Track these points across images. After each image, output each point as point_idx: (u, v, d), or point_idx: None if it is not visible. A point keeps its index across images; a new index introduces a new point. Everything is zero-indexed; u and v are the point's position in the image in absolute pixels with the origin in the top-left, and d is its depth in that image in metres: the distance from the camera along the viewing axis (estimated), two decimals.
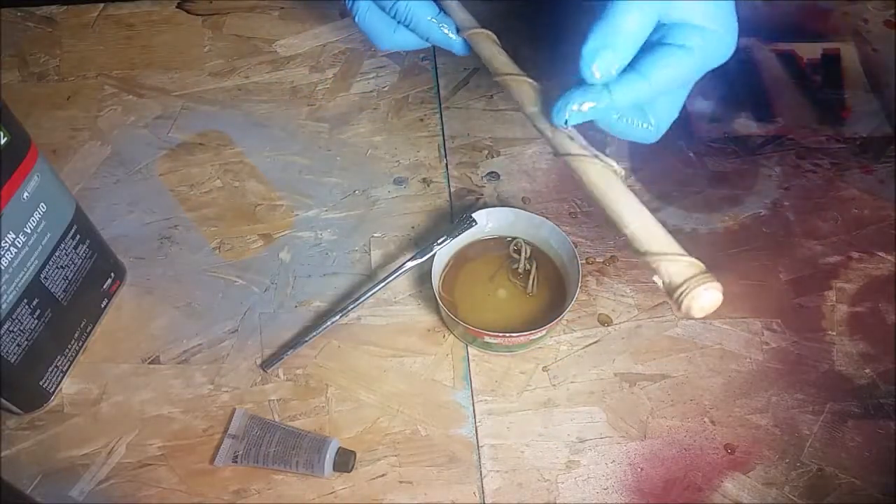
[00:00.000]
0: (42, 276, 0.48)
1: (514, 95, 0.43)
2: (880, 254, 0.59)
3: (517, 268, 0.55)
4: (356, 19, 0.47)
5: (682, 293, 0.33)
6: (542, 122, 0.41)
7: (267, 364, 0.53)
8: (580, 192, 0.62)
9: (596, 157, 0.38)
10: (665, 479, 0.49)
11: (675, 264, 0.34)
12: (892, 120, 0.66)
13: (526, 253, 0.56)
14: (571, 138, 0.39)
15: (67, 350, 0.52)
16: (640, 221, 0.36)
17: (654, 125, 0.41)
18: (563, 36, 0.57)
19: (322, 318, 0.54)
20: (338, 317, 0.53)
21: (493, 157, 0.64)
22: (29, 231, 0.46)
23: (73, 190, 0.60)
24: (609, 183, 0.37)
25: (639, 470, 0.49)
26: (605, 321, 0.55)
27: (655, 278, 0.35)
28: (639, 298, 0.56)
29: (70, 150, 0.64)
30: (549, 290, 0.55)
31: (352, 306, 0.53)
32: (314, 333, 0.53)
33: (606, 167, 0.38)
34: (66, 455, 0.50)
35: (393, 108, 0.67)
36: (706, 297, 0.33)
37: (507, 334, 0.50)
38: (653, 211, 0.62)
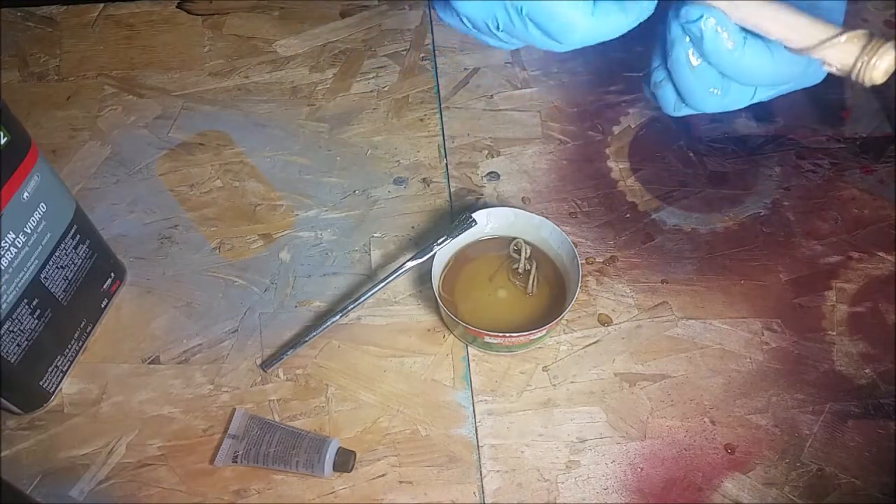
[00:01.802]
0: (42, 276, 0.48)
1: None
2: (880, 254, 0.59)
3: (517, 268, 0.55)
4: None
5: (858, 74, 0.32)
6: None
7: (267, 364, 0.53)
8: (580, 192, 0.62)
9: None
10: (665, 479, 0.49)
11: (833, 49, 0.32)
12: (892, 120, 0.66)
13: (526, 253, 0.56)
14: None
15: (67, 350, 0.52)
16: (780, 21, 0.33)
17: (720, 95, 0.37)
18: None
19: (322, 318, 0.54)
20: (338, 317, 0.53)
21: (493, 157, 0.64)
22: (29, 231, 0.46)
23: (73, 190, 0.60)
24: None
25: (639, 470, 0.49)
26: (605, 321, 0.55)
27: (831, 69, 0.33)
28: (639, 298, 0.56)
29: (70, 150, 0.64)
30: (549, 290, 0.55)
31: (352, 306, 0.53)
32: (314, 333, 0.53)
33: None
34: (66, 455, 0.50)
35: (393, 108, 0.67)
36: (882, 66, 0.31)
37: (507, 334, 0.50)
38: (653, 211, 0.63)
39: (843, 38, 0.32)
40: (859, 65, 0.32)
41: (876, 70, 0.32)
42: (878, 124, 0.66)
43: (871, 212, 0.61)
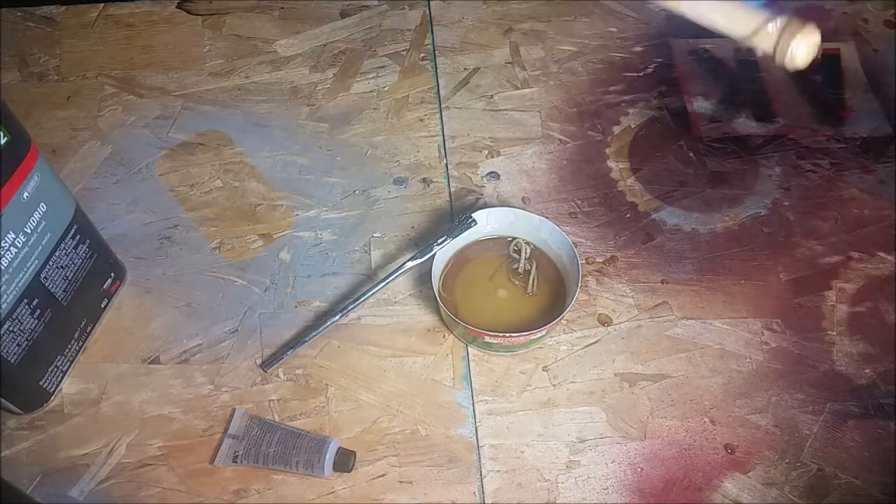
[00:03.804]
0: (42, 276, 0.48)
1: None
2: (880, 254, 0.59)
3: (517, 268, 0.55)
4: None
5: (781, 59, 0.33)
6: None
7: (267, 364, 0.53)
8: (580, 192, 0.62)
9: None
10: (665, 479, 0.49)
11: (762, 36, 0.34)
12: (892, 120, 0.66)
13: (526, 253, 0.56)
14: None
15: (67, 350, 0.52)
16: (724, 13, 0.35)
17: None
18: None
19: (322, 318, 0.54)
20: (338, 317, 0.53)
21: (493, 157, 0.64)
22: (29, 231, 0.46)
23: (73, 190, 0.60)
24: None
25: (639, 470, 0.49)
26: (605, 321, 0.55)
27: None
28: (639, 298, 0.56)
29: (70, 150, 0.64)
30: (549, 290, 0.55)
31: (351, 306, 0.53)
32: (314, 333, 0.53)
33: None
34: (66, 455, 0.50)
35: (393, 108, 0.67)
36: (800, 52, 0.33)
37: (507, 334, 0.50)
38: (653, 211, 0.63)
39: (769, 26, 0.33)
40: (781, 51, 0.33)
41: (796, 56, 0.33)
42: (878, 124, 0.66)
43: (871, 212, 0.61)
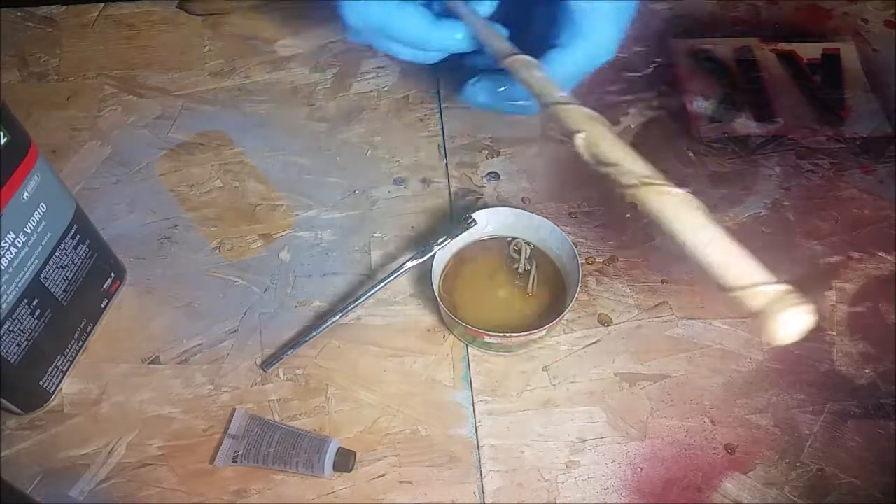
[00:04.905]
0: (42, 276, 0.48)
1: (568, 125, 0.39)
2: (880, 254, 0.59)
3: (517, 268, 0.55)
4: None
5: (763, 326, 0.31)
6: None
7: (267, 364, 0.53)
8: (580, 192, 0.62)
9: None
10: (665, 479, 0.49)
11: (747, 294, 0.31)
12: (892, 120, 0.66)
13: (526, 253, 0.56)
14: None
15: (67, 350, 0.52)
16: (716, 256, 0.33)
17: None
18: None
19: (322, 318, 0.54)
20: (338, 317, 0.53)
21: (493, 157, 0.64)
22: (29, 231, 0.46)
23: (73, 190, 0.60)
24: (684, 214, 0.34)
25: (639, 470, 0.49)
26: (605, 321, 0.55)
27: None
28: (639, 298, 0.56)
29: (70, 150, 0.64)
30: (549, 290, 0.55)
31: (351, 306, 0.53)
32: (314, 333, 0.53)
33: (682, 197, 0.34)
34: (66, 455, 0.50)
35: (393, 108, 0.67)
36: (785, 329, 0.30)
37: (507, 334, 0.50)
38: None
39: (764, 288, 0.31)
40: (766, 320, 0.30)
41: (779, 333, 0.30)
42: (878, 124, 0.66)
43: (871, 212, 0.61)
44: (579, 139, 0.37)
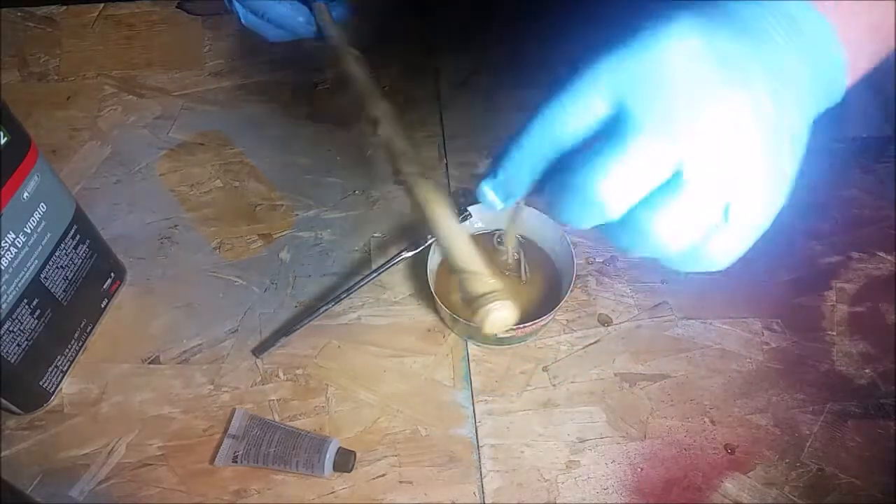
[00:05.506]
0: (42, 276, 0.48)
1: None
2: (880, 254, 0.59)
3: (506, 259, 0.55)
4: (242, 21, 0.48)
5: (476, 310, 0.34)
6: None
7: (259, 350, 0.53)
8: None
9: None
10: (665, 479, 0.49)
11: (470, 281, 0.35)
12: (892, 120, 0.66)
13: (511, 241, 0.56)
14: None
15: (67, 350, 0.52)
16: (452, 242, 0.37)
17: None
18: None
19: (319, 312, 0.54)
20: (331, 304, 0.53)
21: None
22: (29, 231, 0.46)
23: (73, 190, 0.60)
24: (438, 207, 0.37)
25: (639, 470, 0.49)
26: (605, 321, 0.55)
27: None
28: (639, 298, 0.56)
29: (70, 150, 0.64)
30: (543, 278, 0.55)
31: (345, 295, 0.53)
32: (307, 320, 0.53)
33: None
34: (66, 455, 0.50)
35: (393, 108, 0.67)
36: (493, 318, 0.34)
37: (518, 326, 0.50)
38: None
39: (481, 281, 0.34)
40: (478, 312, 0.34)
41: (487, 324, 0.34)
42: (878, 124, 0.66)
43: (871, 212, 0.61)
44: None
